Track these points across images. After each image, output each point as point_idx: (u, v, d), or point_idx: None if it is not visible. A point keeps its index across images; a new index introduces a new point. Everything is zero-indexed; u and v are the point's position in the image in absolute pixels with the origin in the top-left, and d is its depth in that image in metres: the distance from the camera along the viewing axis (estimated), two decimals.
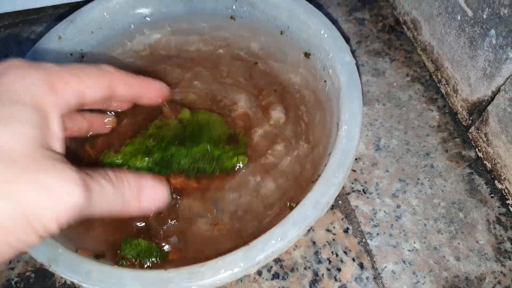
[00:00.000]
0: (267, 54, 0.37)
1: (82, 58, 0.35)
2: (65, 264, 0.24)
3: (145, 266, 0.27)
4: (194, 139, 0.31)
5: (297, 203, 0.25)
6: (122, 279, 0.23)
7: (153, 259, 0.27)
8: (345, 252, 0.32)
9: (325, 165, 0.27)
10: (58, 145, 0.17)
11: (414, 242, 0.32)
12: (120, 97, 0.21)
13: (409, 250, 0.31)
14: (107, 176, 0.18)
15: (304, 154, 0.33)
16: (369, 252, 0.32)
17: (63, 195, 0.15)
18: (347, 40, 0.43)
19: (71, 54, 0.35)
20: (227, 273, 0.23)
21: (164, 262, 0.28)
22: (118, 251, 0.28)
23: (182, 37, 0.38)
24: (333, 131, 0.29)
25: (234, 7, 0.36)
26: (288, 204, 0.29)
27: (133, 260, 0.28)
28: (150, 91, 0.23)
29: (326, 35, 0.31)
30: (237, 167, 0.31)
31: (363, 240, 0.32)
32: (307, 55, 0.33)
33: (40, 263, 0.25)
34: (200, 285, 0.23)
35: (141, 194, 0.20)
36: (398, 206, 0.33)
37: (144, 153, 0.30)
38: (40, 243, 0.17)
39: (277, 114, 0.35)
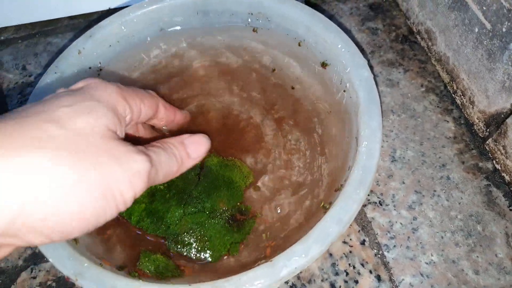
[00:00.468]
0: (282, 66, 0.37)
1: (100, 71, 0.36)
2: (91, 278, 0.25)
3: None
4: (199, 201, 0.30)
5: (330, 203, 0.25)
6: None
7: (169, 275, 0.28)
8: (362, 264, 0.32)
9: (345, 180, 0.27)
10: (122, 135, 0.21)
11: (432, 255, 0.32)
12: (159, 119, 0.26)
13: (427, 263, 0.32)
14: (155, 145, 0.22)
15: (320, 166, 0.33)
16: (386, 265, 0.32)
17: (132, 164, 0.19)
18: (361, 50, 0.43)
19: (90, 68, 0.35)
20: None
21: (180, 279, 0.28)
22: (138, 263, 0.29)
23: (197, 51, 0.38)
24: (352, 145, 0.30)
25: (249, 20, 0.36)
26: (322, 204, 0.29)
27: (149, 274, 0.28)
28: (179, 117, 0.28)
29: (343, 50, 0.32)
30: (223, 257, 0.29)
31: (380, 252, 0.33)
32: (324, 65, 0.33)
33: (66, 276, 0.25)
34: None
35: (187, 149, 0.24)
36: (415, 218, 0.34)
37: (148, 192, 0.30)
38: (114, 216, 0.19)
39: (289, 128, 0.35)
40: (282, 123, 0.36)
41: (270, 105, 0.36)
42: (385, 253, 0.32)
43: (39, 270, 0.35)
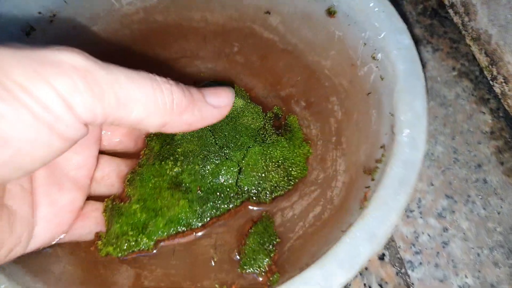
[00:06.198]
0: (289, 29, 0.29)
1: (53, 17, 0.27)
2: None
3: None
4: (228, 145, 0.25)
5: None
6: None
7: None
8: (380, 285, 0.26)
9: (374, 179, 0.20)
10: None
11: (466, 276, 0.26)
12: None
13: (460, 286, 0.25)
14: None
15: (335, 159, 0.26)
16: (409, 286, 0.26)
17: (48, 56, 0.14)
18: None
19: (40, 13, 0.26)
20: None
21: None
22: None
23: (184, 2, 0.30)
24: (381, 133, 0.23)
25: None
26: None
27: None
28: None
29: (376, 9, 0.24)
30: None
31: (403, 270, 0.26)
32: (331, 13, 0.26)
33: None
34: None
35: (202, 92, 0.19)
36: (445, 229, 0.27)
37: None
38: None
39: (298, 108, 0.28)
40: (290, 102, 0.28)
41: (276, 78, 0.29)
42: (409, 271, 0.26)
43: None
